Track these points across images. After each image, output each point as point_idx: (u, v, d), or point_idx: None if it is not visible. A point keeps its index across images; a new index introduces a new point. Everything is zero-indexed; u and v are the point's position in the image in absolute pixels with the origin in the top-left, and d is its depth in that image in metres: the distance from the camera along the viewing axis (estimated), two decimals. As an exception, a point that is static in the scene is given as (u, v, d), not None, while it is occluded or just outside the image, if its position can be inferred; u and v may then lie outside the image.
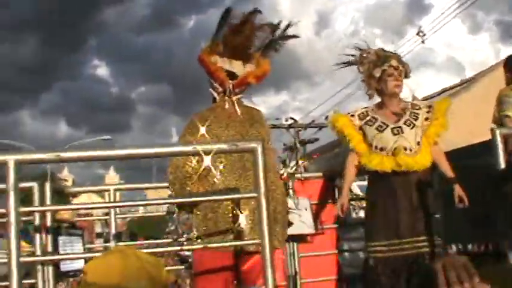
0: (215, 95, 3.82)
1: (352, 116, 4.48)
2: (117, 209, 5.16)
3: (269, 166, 3.62)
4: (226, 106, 3.75)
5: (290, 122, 29.17)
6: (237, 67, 3.78)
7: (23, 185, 4.29)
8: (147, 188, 4.85)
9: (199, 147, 2.78)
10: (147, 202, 3.00)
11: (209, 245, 3.06)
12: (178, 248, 2.91)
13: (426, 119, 4.38)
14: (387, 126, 4.31)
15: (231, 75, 3.77)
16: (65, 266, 4.31)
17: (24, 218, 4.50)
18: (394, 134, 4.27)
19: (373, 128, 4.34)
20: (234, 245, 3.36)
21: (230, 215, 3.49)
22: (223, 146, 2.85)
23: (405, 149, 4.22)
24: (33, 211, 2.81)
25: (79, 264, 4.48)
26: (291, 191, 4.86)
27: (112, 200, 5.05)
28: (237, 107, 3.75)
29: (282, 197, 3.79)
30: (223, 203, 3.51)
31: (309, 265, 4.86)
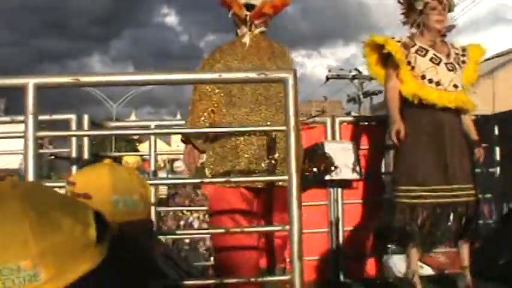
0: (237, 30, 3.74)
1: (398, 42, 4.06)
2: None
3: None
4: (244, 39, 3.66)
5: (354, 73, 28.71)
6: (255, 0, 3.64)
7: (61, 116, 4.27)
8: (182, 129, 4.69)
9: (226, 76, 2.60)
10: (174, 130, 2.89)
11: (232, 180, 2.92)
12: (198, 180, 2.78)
13: (463, 62, 4.05)
14: (441, 60, 3.98)
15: (251, 8, 3.64)
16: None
17: (62, 150, 4.48)
18: (449, 70, 3.95)
19: (426, 59, 3.97)
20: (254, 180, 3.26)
21: (237, 149, 3.45)
22: (252, 75, 2.64)
23: (461, 87, 3.96)
24: (50, 136, 2.68)
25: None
26: (337, 134, 4.64)
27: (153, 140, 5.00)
28: (247, 38, 3.64)
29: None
30: (231, 138, 3.46)
31: (352, 213, 4.64)
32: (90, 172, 1.75)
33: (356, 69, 28.50)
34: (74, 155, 4.11)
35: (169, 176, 18.37)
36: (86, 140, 4.20)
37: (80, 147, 4.14)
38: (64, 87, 2.62)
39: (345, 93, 29.24)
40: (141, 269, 1.58)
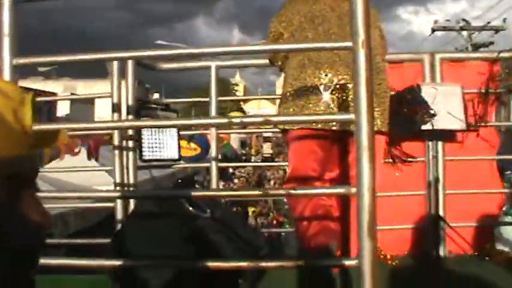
0: None
1: None
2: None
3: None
4: None
5: (462, 24, 26.61)
6: None
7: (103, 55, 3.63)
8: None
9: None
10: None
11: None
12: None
13: None
14: None
15: None
16: (149, 154, 3.62)
17: (101, 95, 3.84)
18: None
19: None
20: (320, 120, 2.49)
21: (318, 79, 2.82)
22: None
23: None
24: (32, 63, 2.03)
25: (169, 153, 3.78)
26: (437, 75, 3.72)
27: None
28: None
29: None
30: (312, 63, 2.85)
31: (457, 172, 3.73)
32: None
33: (464, 20, 26.38)
34: (115, 100, 3.48)
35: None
36: (130, 83, 3.57)
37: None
38: None
39: (452, 47, 27.16)
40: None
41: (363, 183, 1.68)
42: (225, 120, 1.82)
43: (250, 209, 17.70)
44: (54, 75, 32.78)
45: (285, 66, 3.11)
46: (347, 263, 1.74)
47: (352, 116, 1.71)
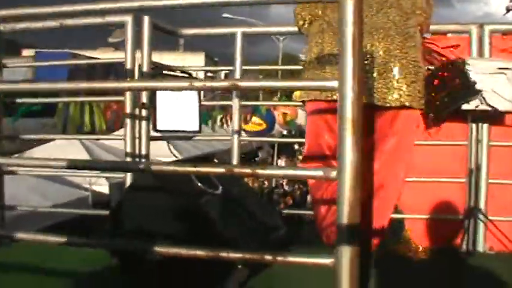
0: None
1: None
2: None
3: None
4: None
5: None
6: None
7: (112, 19, 3.42)
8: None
9: None
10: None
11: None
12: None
13: None
14: None
15: None
16: (163, 124, 3.37)
17: (114, 59, 3.64)
18: None
19: None
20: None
21: (335, 45, 2.47)
22: None
23: None
24: (10, 16, 1.78)
25: (188, 123, 3.51)
26: (486, 50, 3.30)
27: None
28: None
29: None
30: (331, 28, 2.53)
31: (502, 159, 3.33)
32: None
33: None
34: (128, 65, 3.26)
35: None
36: (145, 47, 3.33)
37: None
38: None
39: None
40: None
41: (344, 166, 1.37)
42: (185, 84, 1.54)
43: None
44: (123, 46, 33.37)
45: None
46: (321, 261, 1.44)
47: (334, 83, 1.39)
